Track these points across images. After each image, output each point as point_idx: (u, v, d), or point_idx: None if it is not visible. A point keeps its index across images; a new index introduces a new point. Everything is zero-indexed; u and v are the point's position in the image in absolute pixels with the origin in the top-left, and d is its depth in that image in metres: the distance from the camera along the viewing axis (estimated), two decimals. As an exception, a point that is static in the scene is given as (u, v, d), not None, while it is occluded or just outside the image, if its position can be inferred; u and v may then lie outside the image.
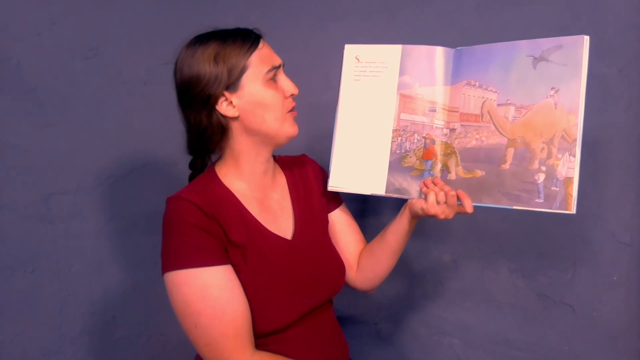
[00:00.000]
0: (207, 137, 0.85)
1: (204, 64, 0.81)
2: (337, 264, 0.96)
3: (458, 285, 1.19)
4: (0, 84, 1.04)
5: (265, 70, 0.82)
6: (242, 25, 0.87)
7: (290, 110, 0.87)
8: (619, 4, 0.96)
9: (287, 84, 0.86)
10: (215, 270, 0.78)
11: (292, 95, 0.87)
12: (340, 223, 1.02)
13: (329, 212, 1.01)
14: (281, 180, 0.97)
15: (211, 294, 0.76)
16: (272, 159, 0.94)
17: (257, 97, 0.83)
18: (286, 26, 1.30)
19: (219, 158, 0.91)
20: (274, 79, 0.85)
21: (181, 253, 0.77)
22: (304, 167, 1.01)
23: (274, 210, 0.91)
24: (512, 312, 1.12)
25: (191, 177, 0.94)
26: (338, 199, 1.04)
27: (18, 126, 1.07)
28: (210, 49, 0.81)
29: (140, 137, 1.27)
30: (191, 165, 0.93)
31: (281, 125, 0.85)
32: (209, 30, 0.86)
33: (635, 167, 0.97)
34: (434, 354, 1.23)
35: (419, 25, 1.16)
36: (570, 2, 1.00)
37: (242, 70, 0.81)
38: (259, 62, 0.82)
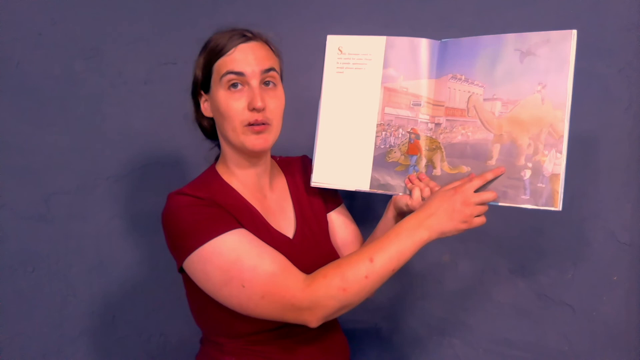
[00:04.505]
0: (201, 129, 0.91)
1: (198, 61, 0.84)
2: (337, 264, 0.96)
3: (458, 285, 1.19)
4: (0, 84, 1.04)
5: (220, 74, 0.80)
6: (242, 24, 0.87)
7: (252, 125, 0.81)
8: (619, 4, 0.96)
9: (250, 96, 0.80)
10: (236, 232, 0.77)
11: (254, 109, 0.79)
12: (340, 223, 1.02)
13: (328, 212, 1.01)
14: (281, 181, 0.97)
15: (243, 249, 0.76)
16: (267, 162, 0.92)
17: (216, 103, 0.83)
18: (286, 26, 1.30)
19: (219, 156, 0.91)
20: (236, 87, 0.80)
21: (198, 230, 0.76)
22: (304, 168, 1.01)
23: (273, 210, 0.91)
24: (512, 312, 1.12)
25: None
26: (337, 199, 1.04)
27: (18, 126, 1.07)
28: (205, 47, 0.84)
29: (140, 137, 1.27)
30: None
31: (237, 136, 0.82)
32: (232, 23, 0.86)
33: (635, 167, 0.97)
34: (434, 354, 1.23)
35: (420, 25, 1.16)
36: (570, 2, 1.00)
37: (209, 73, 0.83)
38: (221, 66, 0.81)
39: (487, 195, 0.79)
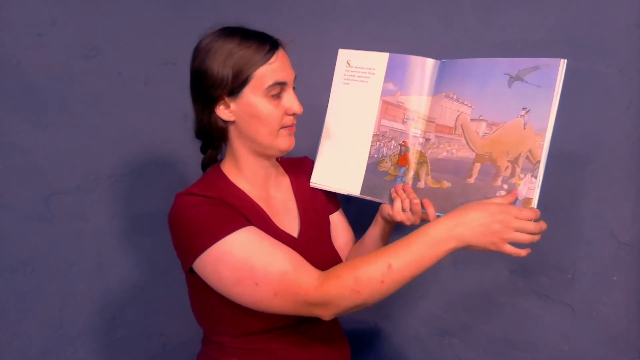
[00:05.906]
0: (207, 134, 0.88)
1: (215, 63, 0.81)
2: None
3: (458, 285, 1.19)
4: (0, 84, 1.04)
5: (267, 85, 0.81)
6: (247, 24, 0.87)
7: (287, 127, 0.86)
8: (618, 4, 0.96)
9: (290, 102, 0.84)
10: (246, 230, 0.78)
11: (294, 113, 0.85)
12: (340, 225, 1.03)
13: (330, 213, 1.01)
14: (284, 181, 0.98)
15: (254, 248, 0.76)
16: (274, 164, 0.94)
17: (254, 109, 0.82)
18: (287, 26, 1.30)
19: (224, 156, 0.92)
20: (278, 95, 0.84)
21: (208, 229, 0.77)
22: (306, 169, 1.02)
23: (278, 209, 0.92)
24: (512, 312, 1.12)
25: (204, 163, 0.95)
26: (337, 201, 1.04)
27: (18, 126, 1.07)
28: (226, 49, 0.81)
29: (140, 137, 1.27)
30: (203, 150, 0.94)
31: (273, 139, 0.85)
32: (237, 25, 0.86)
33: (635, 167, 0.97)
34: (434, 354, 1.23)
35: (420, 25, 1.16)
36: (570, 2, 1.00)
37: (246, 81, 0.81)
38: (265, 75, 0.81)
39: (522, 237, 0.73)
